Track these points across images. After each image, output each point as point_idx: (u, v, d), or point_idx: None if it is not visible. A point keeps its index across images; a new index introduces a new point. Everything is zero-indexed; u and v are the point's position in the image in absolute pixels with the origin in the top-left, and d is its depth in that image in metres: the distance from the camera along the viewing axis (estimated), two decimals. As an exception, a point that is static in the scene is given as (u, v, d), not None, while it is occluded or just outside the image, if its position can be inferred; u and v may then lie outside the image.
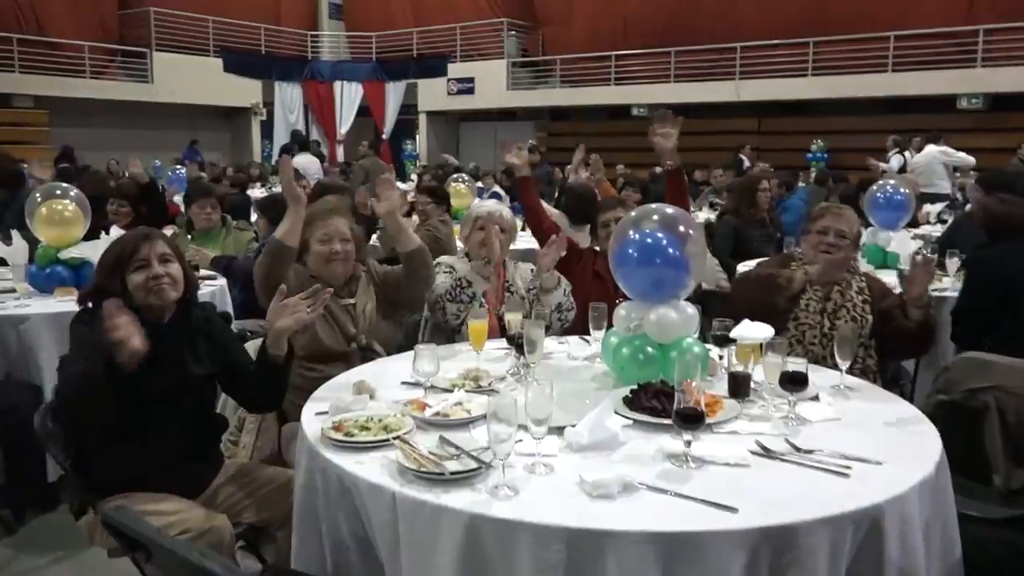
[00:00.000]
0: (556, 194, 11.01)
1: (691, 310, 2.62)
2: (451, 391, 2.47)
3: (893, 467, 1.97)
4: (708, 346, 2.72)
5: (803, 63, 16.71)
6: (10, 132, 15.65)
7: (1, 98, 16.42)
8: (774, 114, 17.84)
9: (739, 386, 2.45)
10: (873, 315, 3.30)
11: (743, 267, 5.44)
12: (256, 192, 11.18)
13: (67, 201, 4.30)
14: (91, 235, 4.36)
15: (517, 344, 2.65)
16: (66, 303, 3.79)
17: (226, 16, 19.87)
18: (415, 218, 7.27)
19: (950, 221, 7.83)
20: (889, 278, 4.01)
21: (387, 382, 2.61)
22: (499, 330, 3.28)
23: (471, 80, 20.60)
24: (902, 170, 13.09)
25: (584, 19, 19.49)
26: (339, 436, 2.06)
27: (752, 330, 2.57)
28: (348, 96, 21.68)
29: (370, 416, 2.17)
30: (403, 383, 2.63)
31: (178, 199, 8.20)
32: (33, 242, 4.31)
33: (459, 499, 1.78)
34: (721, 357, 2.76)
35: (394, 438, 2.03)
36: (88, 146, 16.10)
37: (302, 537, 2.10)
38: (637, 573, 1.63)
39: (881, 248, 5.15)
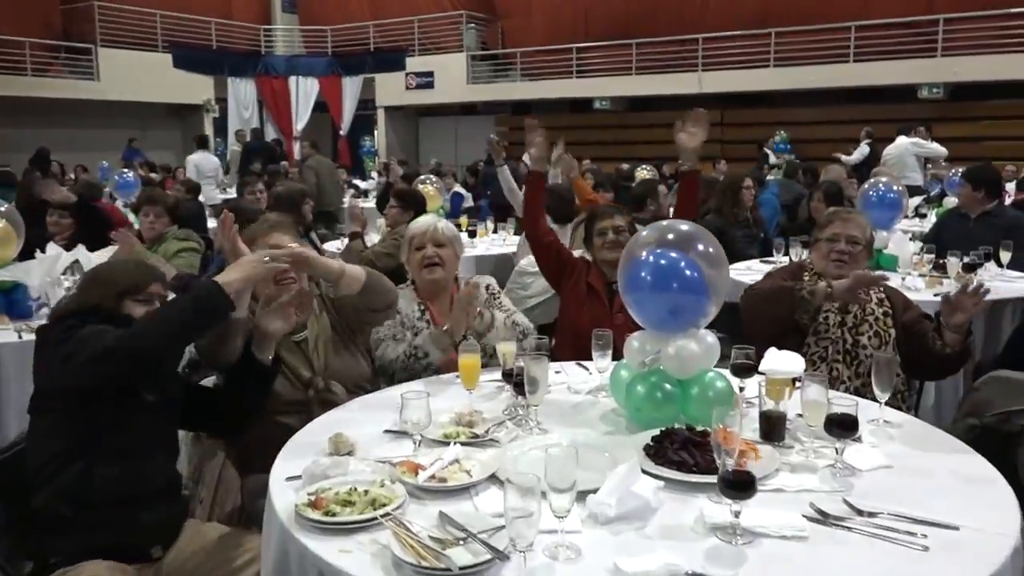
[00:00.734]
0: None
1: (711, 339, 2.32)
2: (445, 443, 2.13)
3: (972, 532, 1.68)
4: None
5: (765, 54, 16.57)
6: (-53, 134, 14.90)
7: (-63, 98, 15.63)
8: (737, 106, 17.69)
9: (773, 429, 2.14)
10: (896, 328, 3.03)
11: (736, 273, 5.16)
12: (213, 194, 10.70)
13: (-4, 218, 3.87)
14: (25, 253, 3.93)
15: (516, 383, 2.32)
16: (-4, 333, 3.38)
17: (174, 10, 19.13)
18: (381, 222, 6.92)
19: (929, 215, 7.68)
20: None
21: (366, 431, 2.27)
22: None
23: (430, 74, 20.15)
24: (869, 162, 13.03)
25: (544, 11, 19.14)
26: (318, 516, 1.71)
27: (784, 362, 2.27)
28: (304, 91, 21.08)
29: (353, 486, 1.83)
30: (386, 431, 2.29)
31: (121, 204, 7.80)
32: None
33: (471, 602, 1.45)
34: (742, 389, 2.46)
35: (384, 516, 1.69)
36: (32, 148, 15.38)
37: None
38: None
39: (876, 249, 4.90)
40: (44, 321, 2.66)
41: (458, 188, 10.16)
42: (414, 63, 20.38)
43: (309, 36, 22.18)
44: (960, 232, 5.46)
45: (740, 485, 1.64)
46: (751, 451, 1.99)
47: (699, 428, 2.14)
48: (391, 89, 20.74)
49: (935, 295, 4.19)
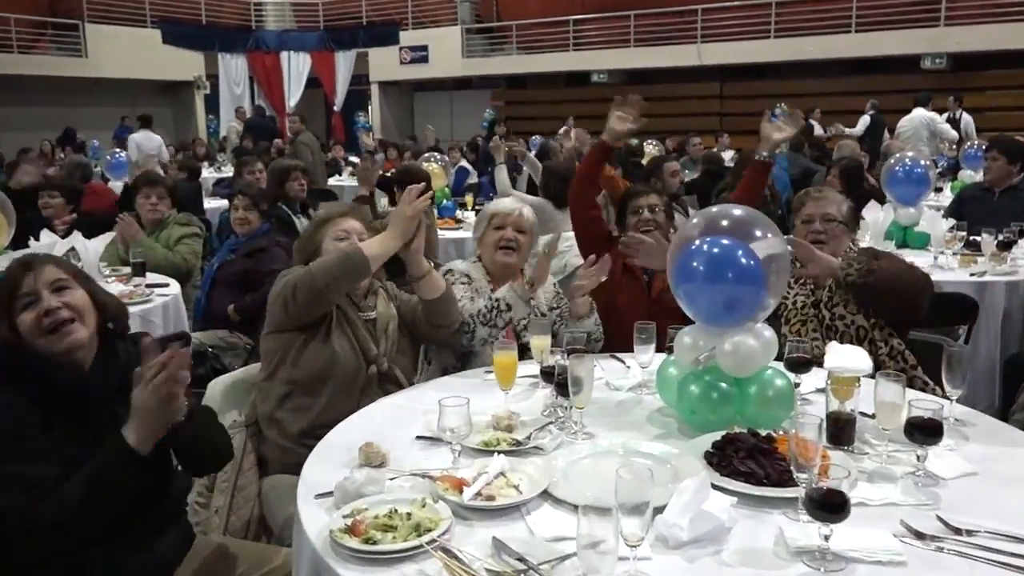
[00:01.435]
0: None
1: (769, 333, 2.13)
2: (485, 452, 1.96)
3: (1085, 553, 1.51)
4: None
5: (765, 25, 16.30)
6: (-67, 113, 14.57)
7: (-79, 77, 15.28)
8: (736, 78, 17.43)
9: (842, 432, 1.96)
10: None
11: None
12: (209, 174, 10.42)
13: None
14: (20, 240, 3.73)
15: (559, 383, 2.14)
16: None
17: (162, -16, 18.77)
18: (385, 202, 6.70)
19: (944, 189, 7.50)
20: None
21: (397, 438, 2.08)
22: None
23: (424, 48, 19.80)
24: (872, 133, 12.82)
25: (540, -18, 18.81)
26: (356, 544, 1.53)
27: (850, 358, 2.10)
28: (296, 67, 20.72)
29: (393, 508, 1.65)
30: (418, 438, 2.10)
31: (117, 185, 7.54)
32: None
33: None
34: (797, 385, 2.28)
35: (431, 544, 1.51)
36: (20, 126, 15.07)
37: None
38: None
39: (901, 226, 4.73)
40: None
41: (464, 163, 9.89)
42: (408, 37, 20.03)
43: (300, 10, 21.75)
44: (984, 207, 5.28)
45: (832, 507, 1.47)
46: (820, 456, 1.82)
47: (763, 432, 1.96)
48: (385, 64, 20.40)
49: (971, 275, 4.03)
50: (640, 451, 1.95)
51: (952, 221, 4.52)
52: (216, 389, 2.60)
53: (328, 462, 1.96)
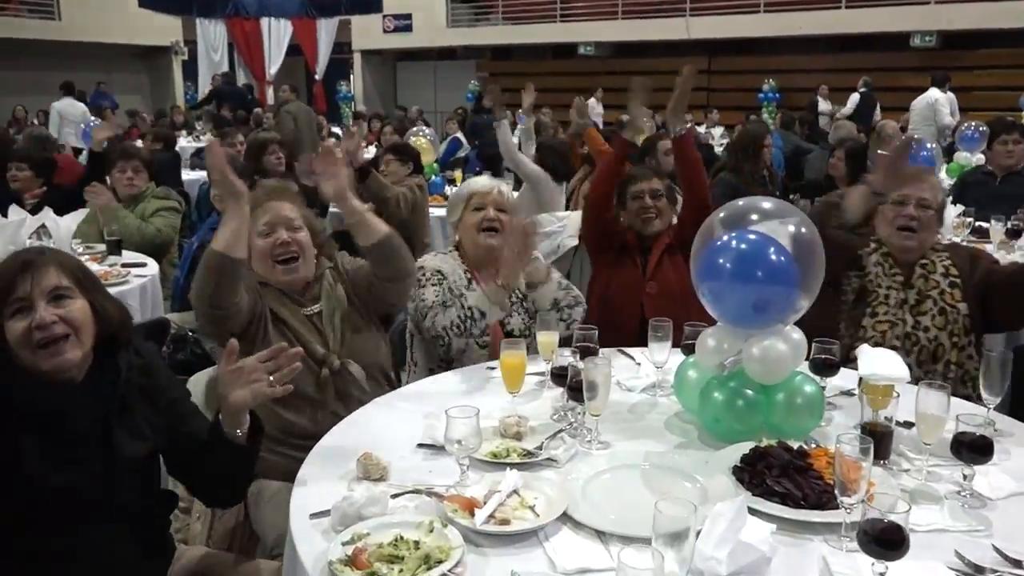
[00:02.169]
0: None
1: (797, 335, 1.98)
2: (495, 464, 1.80)
3: None
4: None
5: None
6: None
7: None
8: (725, 53, 17.21)
9: (879, 446, 1.81)
10: (968, 301, 2.64)
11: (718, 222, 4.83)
12: (187, 143, 10.11)
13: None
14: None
15: (571, 387, 1.98)
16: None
17: (138, -55, 18.21)
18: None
19: (940, 172, 7.36)
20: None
21: (396, 446, 1.92)
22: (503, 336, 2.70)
23: (408, 16, 19.39)
24: (862, 112, 12.69)
25: (527, -49, 18.46)
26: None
27: (885, 364, 1.95)
28: (276, 34, 20.18)
29: (399, 535, 1.49)
30: (420, 446, 1.94)
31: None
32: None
33: None
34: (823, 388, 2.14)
35: (444, 579, 1.35)
36: (-9, 92, 14.64)
37: None
38: None
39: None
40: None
41: (459, 135, 9.62)
42: (391, 4, 19.55)
43: (281, -26, 21.23)
44: (986, 191, 5.16)
45: (890, 544, 1.32)
46: (856, 473, 1.67)
47: (794, 445, 1.82)
48: (367, 32, 19.98)
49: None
50: (665, 466, 1.80)
51: (960, 207, 4.39)
52: (201, 382, 2.42)
53: (322, 474, 1.80)
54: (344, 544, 1.46)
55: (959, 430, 1.69)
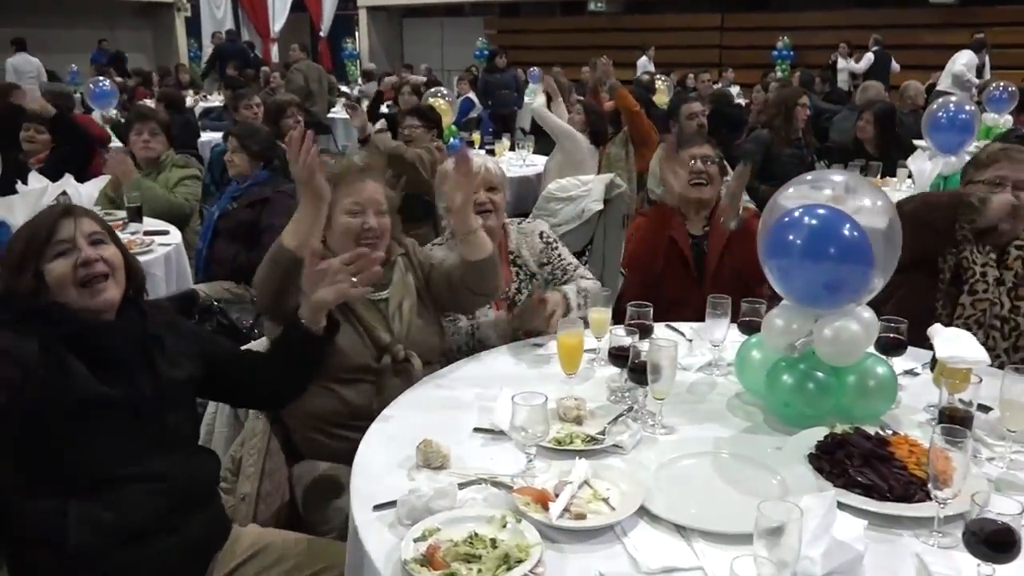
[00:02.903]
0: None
1: (868, 314, 1.90)
2: (561, 452, 1.73)
3: None
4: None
5: (768, -48, 15.78)
6: None
7: None
8: (737, 9, 16.90)
9: (959, 431, 1.75)
10: None
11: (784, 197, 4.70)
12: (191, 103, 9.91)
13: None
14: (4, 186, 3.41)
15: (632, 368, 1.90)
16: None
17: None
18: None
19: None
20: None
21: (452, 431, 1.85)
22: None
23: (415, -29, 19.07)
24: (876, 71, 12.45)
25: (536, -97, 18.07)
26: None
27: (963, 346, 1.87)
28: (281, -12, 19.89)
29: (473, 532, 1.42)
30: (476, 430, 1.87)
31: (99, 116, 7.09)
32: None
33: None
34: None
35: (527, 581, 1.29)
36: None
37: None
38: None
39: (942, 177, 4.48)
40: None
41: (471, 95, 9.45)
42: (399, -43, 19.28)
43: (285, -73, 20.80)
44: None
45: (1002, 546, 1.25)
46: (945, 465, 1.60)
47: (870, 431, 1.75)
48: (373, -13, 19.67)
49: None
50: (739, 455, 1.73)
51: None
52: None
53: (380, 461, 1.74)
54: (416, 541, 1.40)
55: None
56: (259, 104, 5.91)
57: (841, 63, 12.78)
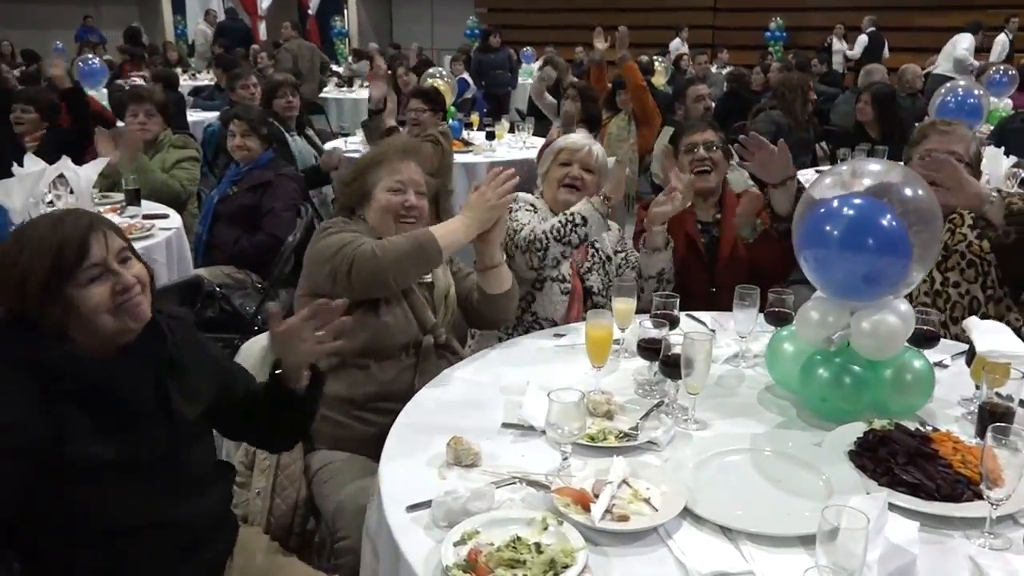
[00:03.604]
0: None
1: (905, 306, 1.85)
2: (597, 449, 1.69)
3: None
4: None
5: (761, -70, 15.60)
6: None
7: None
8: (730, -12, 16.77)
9: (1000, 427, 1.71)
10: (996, 251, 2.50)
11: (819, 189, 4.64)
12: (184, 82, 9.74)
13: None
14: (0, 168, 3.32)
15: (664, 361, 1.85)
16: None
17: None
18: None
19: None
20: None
21: (479, 426, 1.80)
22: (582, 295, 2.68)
23: (404, -53, 18.82)
24: (872, 53, 12.40)
25: None
26: (483, 586, 1.26)
27: (1005, 341, 1.83)
28: (269, -35, 19.59)
29: (515, 534, 1.37)
30: (505, 425, 1.82)
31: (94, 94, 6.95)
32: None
33: None
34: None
35: (576, 589, 1.24)
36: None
37: None
38: None
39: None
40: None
41: (465, 75, 9.35)
42: (387, -65, 19.02)
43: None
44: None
45: (1069, 552, 1.21)
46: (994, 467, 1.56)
47: (911, 426, 1.71)
48: (362, -37, 19.41)
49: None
50: (779, 452, 1.69)
51: (1013, 158, 4.24)
52: (253, 349, 2.28)
53: (407, 459, 1.68)
54: (456, 545, 1.35)
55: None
56: (255, 84, 5.80)
57: (837, 45, 12.70)
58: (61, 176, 3.46)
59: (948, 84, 4.83)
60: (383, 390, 2.15)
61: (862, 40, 12.94)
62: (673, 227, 2.75)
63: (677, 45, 13.59)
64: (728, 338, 2.27)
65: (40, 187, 3.22)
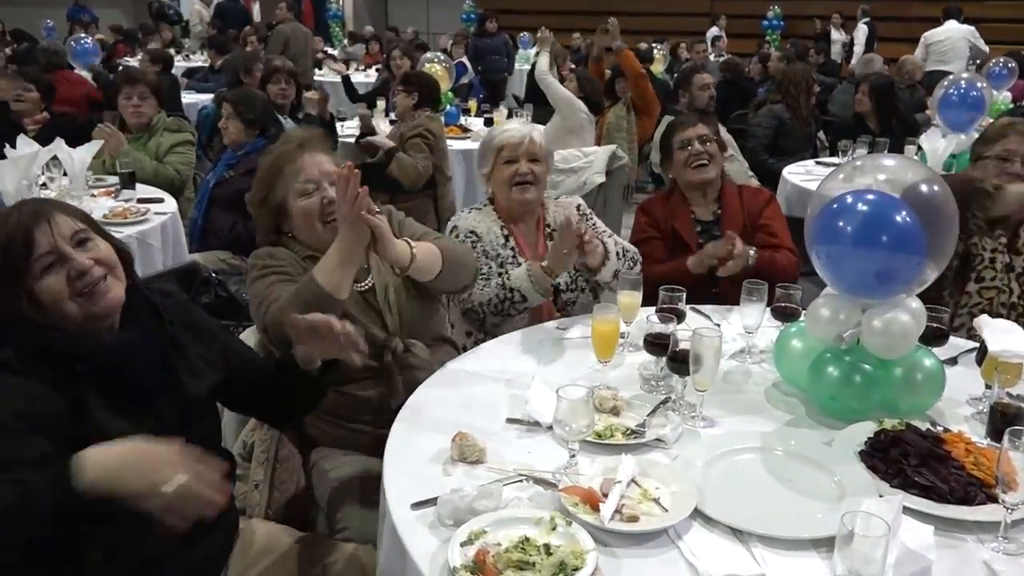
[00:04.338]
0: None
1: (916, 304, 1.83)
2: (604, 446, 1.66)
3: None
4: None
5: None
6: None
7: None
8: (728, -24, 16.66)
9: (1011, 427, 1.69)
10: None
11: (797, 178, 4.64)
12: (179, 63, 9.63)
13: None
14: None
15: (672, 357, 1.82)
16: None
17: None
18: (381, 105, 6.21)
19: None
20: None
21: (484, 422, 1.77)
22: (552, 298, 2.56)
23: (400, -71, 18.61)
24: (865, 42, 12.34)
25: None
26: (492, 587, 1.24)
27: (1017, 340, 1.81)
28: (262, -55, 19.37)
29: (523, 535, 1.34)
30: (509, 420, 1.79)
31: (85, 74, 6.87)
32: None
33: None
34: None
35: (587, 592, 1.21)
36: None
37: None
38: None
39: (952, 155, 4.41)
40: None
41: (464, 59, 9.27)
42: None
43: None
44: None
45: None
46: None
47: (922, 426, 1.69)
48: (358, -55, 19.19)
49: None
50: (791, 452, 1.66)
51: None
52: (250, 342, 2.24)
53: (411, 456, 1.65)
54: (463, 545, 1.32)
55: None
56: (261, 69, 5.73)
57: (835, 35, 12.64)
58: (55, 158, 3.40)
59: (951, 77, 4.79)
60: (364, 405, 2.09)
61: (863, 29, 12.85)
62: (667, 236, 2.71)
63: (715, 32, 13.48)
64: (733, 333, 2.24)
65: (33, 169, 3.17)
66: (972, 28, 9.68)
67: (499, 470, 1.58)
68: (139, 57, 8.33)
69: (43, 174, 3.37)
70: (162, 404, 1.55)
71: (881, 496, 1.46)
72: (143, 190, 3.77)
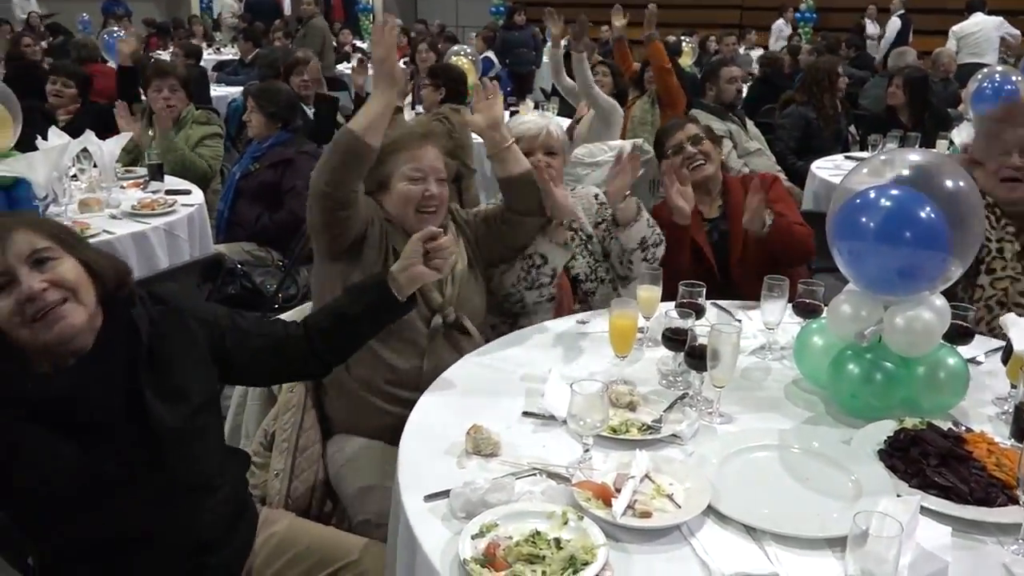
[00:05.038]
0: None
1: (940, 302, 1.80)
2: (619, 441, 1.65)
3: None
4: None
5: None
6: None
7: None
8: (759, -33, 16.47)
9: (1035, 428, 1.66)
10: None
11: (816, 168, 4.59)
12: (208, 56, 9.72)
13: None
14: (24, 142, 3.30)
15: (690, 353, 1.81)
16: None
17: None
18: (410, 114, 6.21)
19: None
20: None
21: (499, 415, 1.77)
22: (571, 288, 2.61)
23: (431, -79, 18.62)
24: (900, 37, 12.15)
25: None
26: (500, 578, 1.24)
27: (1042, 338, 1.77)
28: (292, -63, 19.46)
29: (535, 528, 1.34)
30: (525, 414, 1.79)
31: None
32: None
33: None
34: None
35: (597, 587, 1.21)
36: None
37: None
38: None
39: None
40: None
41: (489, 53, 9.27)
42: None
43: None
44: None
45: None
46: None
47: (943, 426, 1.66)
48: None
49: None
50: (808, 450, 1.64)
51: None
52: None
53: (425, 447, 1.66)
54: (474, 538, 1.32)
55: None
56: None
57: (869, 28, 12.45)
58: (85, 150, 3.45)
59: (985, 70, 4.70)
60: (394, 375, 2.12)
61: (895, 23, 12.65)
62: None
63: (781, 26, 13.36)
64: (754, 329, 2.22)
65: (64, 161, 3.21)
66: (1001, 19, 9.49)
67: (513, 463, 1.58)
68: (170, 50, 8.40)
69: (73, 166, 3.42)
70: (125, 437, 1.47)
71: (899, 496, 1.44)
72: (171, 182, 3.81)
